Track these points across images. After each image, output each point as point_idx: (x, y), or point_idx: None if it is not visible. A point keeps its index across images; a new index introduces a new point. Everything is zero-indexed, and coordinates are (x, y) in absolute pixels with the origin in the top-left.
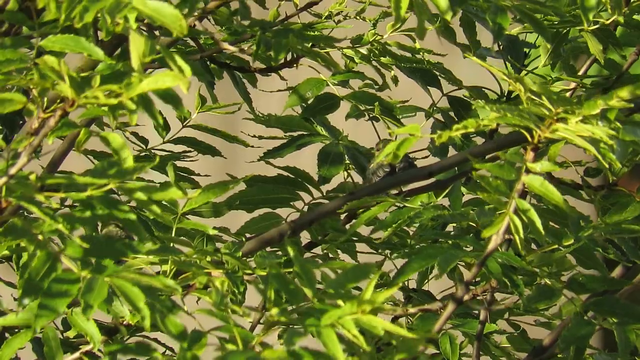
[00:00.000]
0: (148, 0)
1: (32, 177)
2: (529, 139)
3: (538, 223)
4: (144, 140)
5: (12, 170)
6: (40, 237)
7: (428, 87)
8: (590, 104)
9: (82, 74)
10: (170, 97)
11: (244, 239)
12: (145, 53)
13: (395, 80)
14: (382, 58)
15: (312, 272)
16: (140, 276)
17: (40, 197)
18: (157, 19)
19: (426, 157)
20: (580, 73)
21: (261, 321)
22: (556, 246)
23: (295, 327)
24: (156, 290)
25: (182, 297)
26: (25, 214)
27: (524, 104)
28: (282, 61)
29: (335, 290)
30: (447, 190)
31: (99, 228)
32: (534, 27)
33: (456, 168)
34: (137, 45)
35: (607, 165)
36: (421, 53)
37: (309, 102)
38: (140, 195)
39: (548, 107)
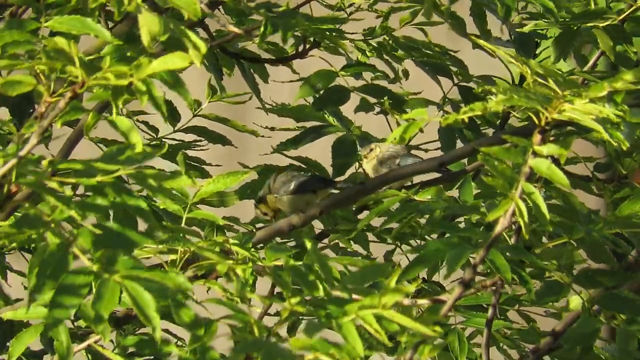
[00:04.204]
0: None
1: (45, 162)
2: (536, 121)
3: (543, 207)
4: (155, 129)
5: (22, 152)
6: (52, 225)
7: (439, 77)
8: (597, 86)
9: (90, 57)
10: (176, 82)
11: (254, 229)
12: (158, 32)
13: (405, 73)
14: (394, 53)
15: (329, 266)
16: (151, 274)
17: (51, 183)
18: (170, 0)
19: (437, 149)
20: (590, 64)
21: (269, 311)
22: (566, 240)
23: (313, 319)
24: (168, 290)
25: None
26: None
27: (530, 86)
28: (293, 52)
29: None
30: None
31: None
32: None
33: (466, 160)
34: (148, 24)
35: (615, 144)
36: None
37: (319, 93)
38: (152, 182)
39: (554, 89)
